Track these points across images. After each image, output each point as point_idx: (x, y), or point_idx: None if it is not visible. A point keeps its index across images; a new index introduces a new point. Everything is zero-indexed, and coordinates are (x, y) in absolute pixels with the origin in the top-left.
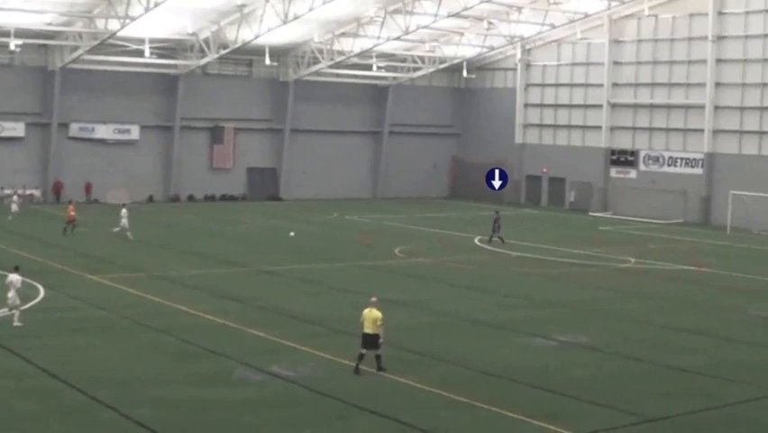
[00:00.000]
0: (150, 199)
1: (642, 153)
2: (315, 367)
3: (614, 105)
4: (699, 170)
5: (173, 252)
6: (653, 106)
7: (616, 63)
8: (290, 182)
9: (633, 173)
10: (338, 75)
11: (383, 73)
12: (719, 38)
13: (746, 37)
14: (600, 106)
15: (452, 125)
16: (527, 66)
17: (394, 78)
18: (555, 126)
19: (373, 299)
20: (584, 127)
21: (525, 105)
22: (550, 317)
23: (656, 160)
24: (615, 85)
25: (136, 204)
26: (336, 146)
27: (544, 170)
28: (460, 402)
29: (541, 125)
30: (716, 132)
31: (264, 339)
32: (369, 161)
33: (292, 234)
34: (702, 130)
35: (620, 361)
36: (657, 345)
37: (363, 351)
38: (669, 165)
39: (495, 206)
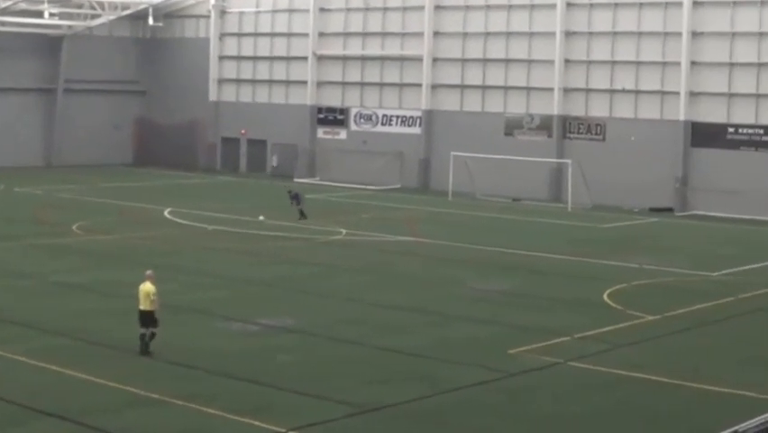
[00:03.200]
0: None
1: (353, 111)
2: None
3: (320, 58)
4: (416, 130)
5: None
6: (364, 58)
7: (322, 10)
8: None
9: (343, 134)
10: (2, 23)
11: (56, 21)
12: None
13: None
14: (305, 59)
15: (137, 81)
16: (222, 13)
17: (69, 27)
18: (254, 82)
19: (148, 271)
20: (287, 82)
21: (221, 58)
22: (250, 297)
23: (369, 118)
24: (321, 34)
25: None
26: (1, 106)
27: (243, 131)
28: (150, 399)
29: (238, 80)
30: (434, 86)
31: None
32: (40, 124)
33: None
34: (420, 84)
35: (331, 345)
36: (372, 325)
37: (143, 330)
38: (383, 124)
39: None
